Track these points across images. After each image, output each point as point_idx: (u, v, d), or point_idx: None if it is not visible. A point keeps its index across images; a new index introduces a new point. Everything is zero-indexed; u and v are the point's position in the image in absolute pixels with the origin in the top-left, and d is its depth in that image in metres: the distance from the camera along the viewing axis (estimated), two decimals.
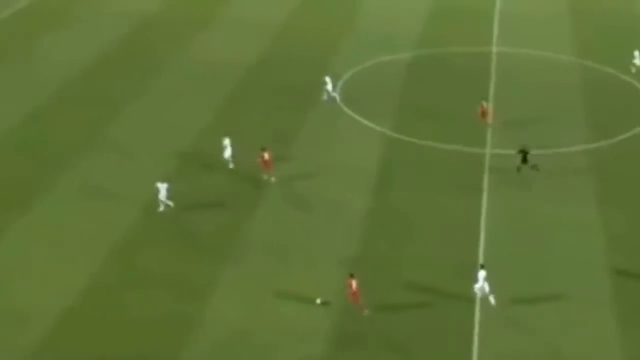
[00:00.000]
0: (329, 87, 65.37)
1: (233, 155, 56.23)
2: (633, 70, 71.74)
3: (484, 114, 62.44)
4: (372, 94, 68.08)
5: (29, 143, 60.05)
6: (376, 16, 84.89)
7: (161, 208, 51.64)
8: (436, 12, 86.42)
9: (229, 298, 44.68)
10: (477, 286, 43.98)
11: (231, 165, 56.22)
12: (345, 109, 65.14)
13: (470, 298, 44.38)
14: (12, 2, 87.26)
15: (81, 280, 45.88)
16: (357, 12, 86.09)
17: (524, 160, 55.57)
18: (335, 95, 66.05)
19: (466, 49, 77.02)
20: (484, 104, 62.96)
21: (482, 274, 43.68)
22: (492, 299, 43.87)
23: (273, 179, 54.97)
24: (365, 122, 63.33)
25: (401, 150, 59.57)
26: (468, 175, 56.48)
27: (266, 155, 54.65)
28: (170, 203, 51.65)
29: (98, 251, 48.36)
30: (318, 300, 44.10)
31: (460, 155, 58.85)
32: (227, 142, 56.18)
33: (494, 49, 77.13)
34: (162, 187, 51.28)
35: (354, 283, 42.73)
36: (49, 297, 44.61)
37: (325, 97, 65.66)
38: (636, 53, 71.75)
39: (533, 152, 56.50)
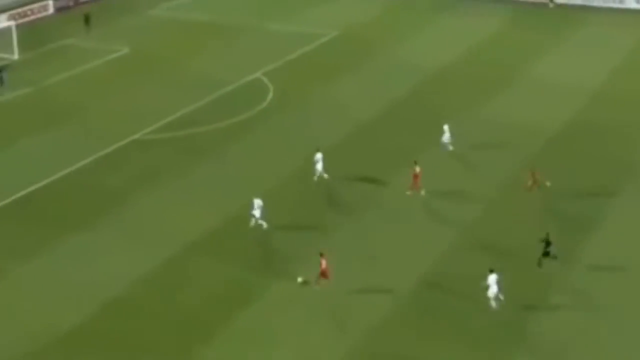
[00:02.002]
0: (447, 135, 59.40)
1: (324, 168, 55.11)
2: None
3: (532, 186, 53.35)
4: None
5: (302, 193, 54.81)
6: None
7: (252, 223, 49.84)
8: None
9: None
10: (490, 292, 42.11)
11: (326, 176, 55.24)
12: None
13: None
14: (294, 48, 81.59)
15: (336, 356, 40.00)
16: None
17: (546, 252, 45.54)
18: (448, 143, 59.08)
19: None
20: (533, 173, 53.35)
21: (493, 277, 42.15)
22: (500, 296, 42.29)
23: (423, 193, 53.32)
24: None
25: None
26: None
27: (417, 169, 52.74)
28: (264, 224, 49.68)
29: (358, 326, 41.93)
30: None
31: None
32: (319, 156, 55.20)
33: None
34: (257, 204, 49.45)
35: (323, 262, 43.70)
36: None
37: (442, 145, 59.47)
38: None
39: None
